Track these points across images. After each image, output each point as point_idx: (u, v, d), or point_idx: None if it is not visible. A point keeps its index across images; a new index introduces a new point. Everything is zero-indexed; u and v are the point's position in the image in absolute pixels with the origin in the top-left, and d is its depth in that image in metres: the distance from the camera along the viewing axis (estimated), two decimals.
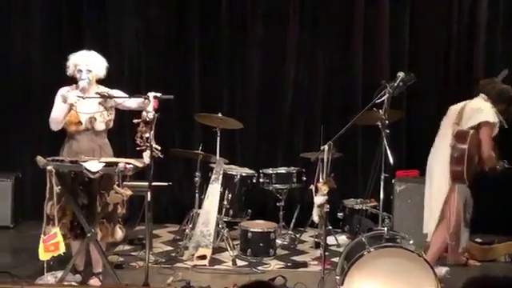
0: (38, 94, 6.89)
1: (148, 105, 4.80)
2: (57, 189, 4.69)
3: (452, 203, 5.15)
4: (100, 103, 5.01)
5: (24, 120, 7.02)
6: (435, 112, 6.00)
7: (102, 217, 4.78)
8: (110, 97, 4.99)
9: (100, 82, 5.11)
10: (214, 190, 5.91)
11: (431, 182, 5.30)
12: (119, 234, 4.90)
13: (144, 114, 4.78)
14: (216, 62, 7.10)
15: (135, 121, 4.86)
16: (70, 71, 5.06)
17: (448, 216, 5.16)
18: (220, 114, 6.05)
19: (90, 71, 5.01)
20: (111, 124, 5.08)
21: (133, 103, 5.00)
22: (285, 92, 7.12)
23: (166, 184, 5.97)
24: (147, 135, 4.74)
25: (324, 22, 7.04)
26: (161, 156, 4.81)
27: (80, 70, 5.00)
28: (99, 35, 6.87)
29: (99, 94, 4.95)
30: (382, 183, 4.70)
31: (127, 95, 5.00)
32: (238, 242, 5.95)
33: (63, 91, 5.01)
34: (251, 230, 5.82)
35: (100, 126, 5.02)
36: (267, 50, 7.07)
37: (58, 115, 4.94)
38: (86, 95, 4.94)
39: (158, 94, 4.85)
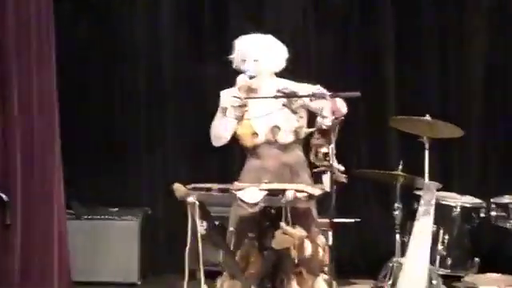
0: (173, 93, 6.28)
1: (324, 107, 4.04)
2: (201, 228, 4.08)
3: None
4: (284, 105, 4.24)
5: (153, 137, 6.29)
6: None
7: (296, 265, 4.15)
8: (278, 96, 4.14)
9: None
10: (424, 229, 5.04)
11: None
12: None
13: (319, 119, 4.06)
14: (418, 44, 6.18)
15: (306, 130, 4.24)
16: (235, 63, 4.32)
17: None
18: (428, 117, 5.08)
19: (256, 61, 4.22)
20: (302, 133, 4.26)
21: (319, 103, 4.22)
22: None
23: (352, 221, 5.71)
24: (325, 150, 4.04)
25: None
26: (344, 180, 4.09)
27: (244, 60, 4.24)
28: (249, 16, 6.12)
29: (279, 91, 4.15)
30: None
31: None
32: None
33: (222, 94, 4.27)
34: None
35: (286, 137, 4.25)
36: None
37: (214, 126, 4.28)
38: (247, 96, 4.17)
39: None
